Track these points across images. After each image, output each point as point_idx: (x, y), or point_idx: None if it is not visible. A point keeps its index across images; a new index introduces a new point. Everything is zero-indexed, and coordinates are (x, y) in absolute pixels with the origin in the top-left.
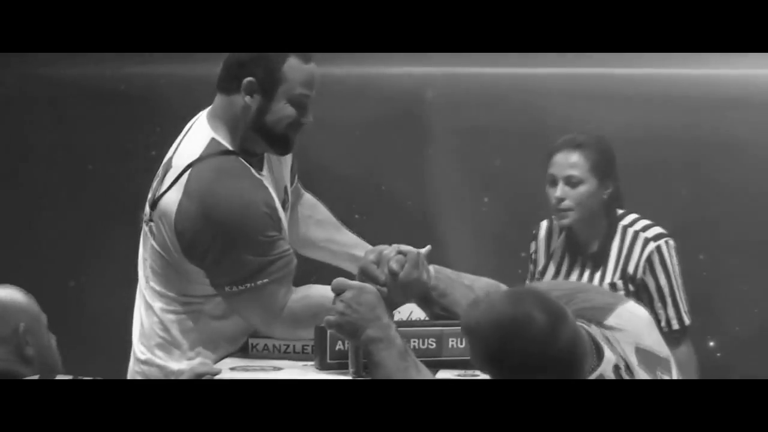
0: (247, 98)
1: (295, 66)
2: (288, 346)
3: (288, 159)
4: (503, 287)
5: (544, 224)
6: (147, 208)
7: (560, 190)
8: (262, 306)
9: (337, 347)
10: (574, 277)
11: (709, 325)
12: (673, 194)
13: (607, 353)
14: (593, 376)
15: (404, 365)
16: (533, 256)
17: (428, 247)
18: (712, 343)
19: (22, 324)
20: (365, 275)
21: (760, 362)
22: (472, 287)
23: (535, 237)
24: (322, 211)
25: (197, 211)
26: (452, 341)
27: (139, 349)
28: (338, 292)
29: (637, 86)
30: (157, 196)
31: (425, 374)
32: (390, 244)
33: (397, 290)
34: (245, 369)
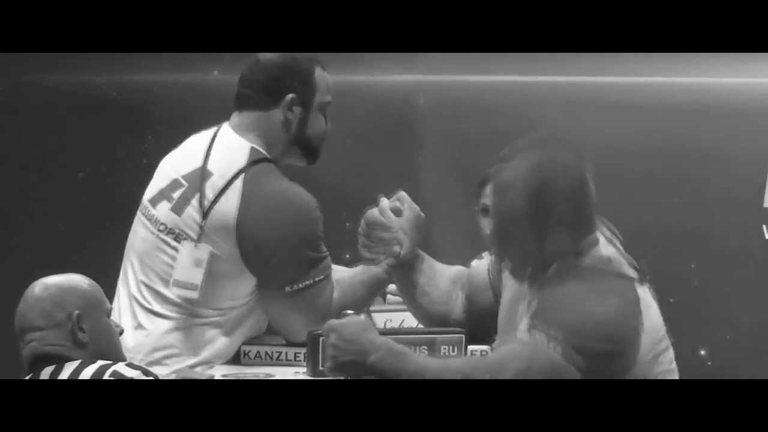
0: (289, 114)
1: (321, 74)
2: (280, 353)
3: None
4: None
5: (474, 264)
6: (176, 218)
7: None
8: (318, 303)
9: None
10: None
11: (701, 333)
12: (665, 202)
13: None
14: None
15: (423, 357)
16: None
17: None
18: (703, 352)
19: (76, 311)
20: (377, 225)
21: (751, 371)
22: (450, 266)
23: None
24: None
25: (264, 216)
26: (444, 348)
27: (137, 357)
28: (326, 335)
29: (630, 95)
30: (205, 205)
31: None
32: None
33: (407, 226)
34: (237, 377)
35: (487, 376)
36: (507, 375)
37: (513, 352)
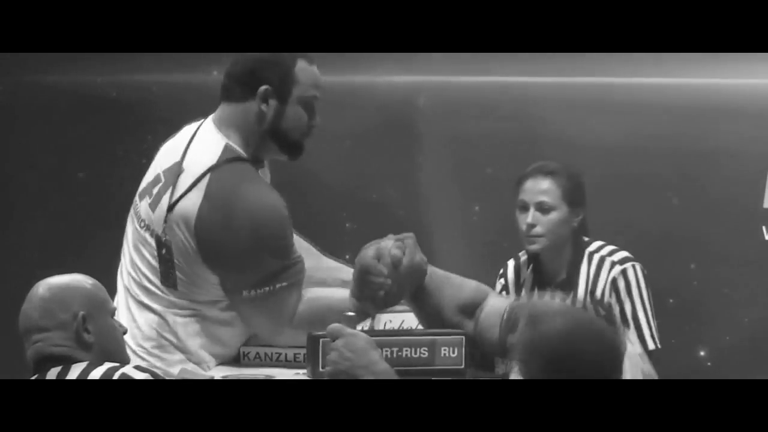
0: (263, 105)
1: (304, 68)
2: (280, 354)
3: (267, 173)
4: (489, 290)
5: (511, 263)
6: (150, 214)
7: (531, 216)
8: (277, 310)
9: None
10: None
11: (700, 334)
12: (664, 203)
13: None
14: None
15: None
16: (503, 293)
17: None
18: (702, 353)
19: (81, 312)
20: (369, 273)
21: (751, 371)
22: (460, 291)
23: (503, 275)
24: (300, 240)
25: (223, 217)
26: (444, 350)
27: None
28: (334, 338)
29: (629, 95)
30: (172, 200)
31: None
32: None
33: (401, 279)
34: (237, 378)
35: None
36: None
37: None
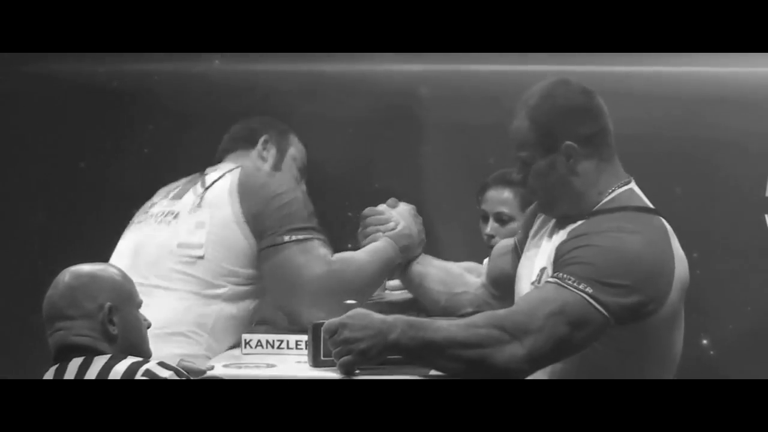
0: (263, 152)
1: (297, 140)
2: (281, 341)
3: None
4: (480, 267)
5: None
6: (178, 202)
7: (490, 227)
8: (320, 254)
9: None
10: None
11: (703, 323)
12: (667, 192)
13: None
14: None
15: (444, 321)
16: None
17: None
18: (705, 341)
19: (108, 303)
20: (367, 216)
21: (754, 360)
22: (449, 270)
23: None
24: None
25: (265, 179)
26: None
27: (196, 339)
28: (332, 334)
29: (631, 84)
30: (207, 182)
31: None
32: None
33: (403, 214)
34: (238, 366)
35: (517, 325)
36: (539, 321)
37: (540, 296)
